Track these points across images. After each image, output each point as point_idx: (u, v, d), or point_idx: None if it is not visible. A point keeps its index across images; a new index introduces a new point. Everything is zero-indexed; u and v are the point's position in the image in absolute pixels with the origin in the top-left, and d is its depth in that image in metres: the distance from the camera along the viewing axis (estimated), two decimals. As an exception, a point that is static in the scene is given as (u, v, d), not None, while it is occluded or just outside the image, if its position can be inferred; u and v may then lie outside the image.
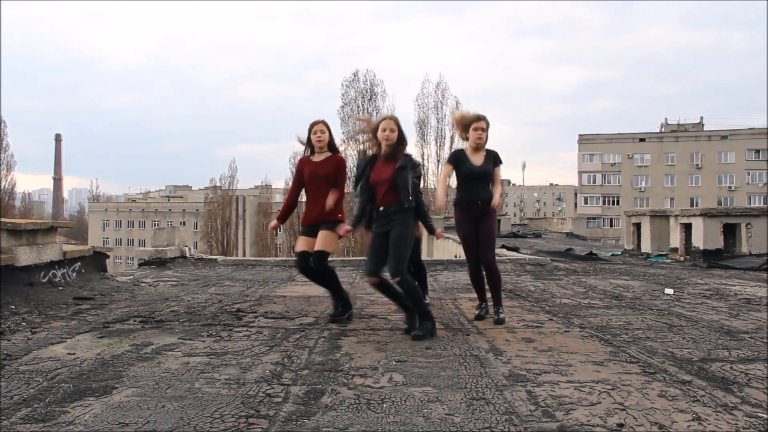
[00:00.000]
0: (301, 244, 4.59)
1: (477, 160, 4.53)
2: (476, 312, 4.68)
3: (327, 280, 4.54)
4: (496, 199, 4.48)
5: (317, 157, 4.60)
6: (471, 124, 4.53)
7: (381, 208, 4.01)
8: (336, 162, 4.58)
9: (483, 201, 4.49)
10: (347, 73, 44.50)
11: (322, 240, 4.42)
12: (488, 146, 4.61)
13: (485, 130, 4.53)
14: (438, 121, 42.74)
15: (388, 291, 4.04)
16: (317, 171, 4.52)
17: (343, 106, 42.21)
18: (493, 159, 4.56)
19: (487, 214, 4.51)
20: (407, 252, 4.01)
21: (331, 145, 4.65)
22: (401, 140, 4.10)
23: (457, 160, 4.56)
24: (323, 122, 4.63)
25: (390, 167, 4.01)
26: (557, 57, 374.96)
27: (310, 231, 4.53)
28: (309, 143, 4.62)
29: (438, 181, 5.35)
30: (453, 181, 4.89)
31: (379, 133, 4.04)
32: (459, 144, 42.58)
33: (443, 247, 20.61)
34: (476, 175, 4.50)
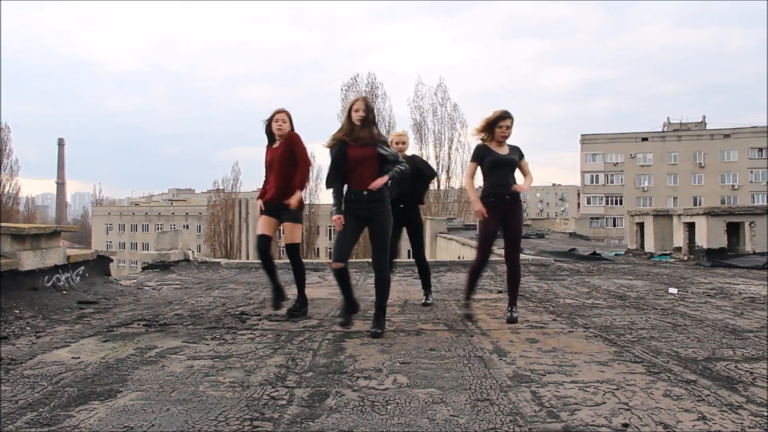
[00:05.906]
0: (264, 225, 4.78)
1: (502, 151, 4.56)
2: (467, 312, 4.53)
3: (297, 271, 4.80)
4: (525, 184, 4.62)
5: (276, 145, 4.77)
6: (498, 122, 4.53)
7: (365, 192, 3.99)
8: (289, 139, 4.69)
9: (511, 195, 4.49)
10: (344, 76, 44.24)
11: (290, 232, 4.70)
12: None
13: (510, 127, 4.56)
14: (435, 123, 42.67)
15: (346, 281, 4.13)
16: (275, 155, 4.71)
17: (343, 110, 42.05)
18: (518, 152, 4.61)
19: (515, 213, 4.53)
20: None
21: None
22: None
23: (482, 154, 4.55)
24: (284, 111, 4.77)
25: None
26: (555, 58, 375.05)
27: (271, 211, 4.75)
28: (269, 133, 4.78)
29: (467, 183, 5.32)
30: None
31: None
32: (457, 146, 42.47)
33: (446, 248, 20.61)
34: (504, 163, 4.51)
